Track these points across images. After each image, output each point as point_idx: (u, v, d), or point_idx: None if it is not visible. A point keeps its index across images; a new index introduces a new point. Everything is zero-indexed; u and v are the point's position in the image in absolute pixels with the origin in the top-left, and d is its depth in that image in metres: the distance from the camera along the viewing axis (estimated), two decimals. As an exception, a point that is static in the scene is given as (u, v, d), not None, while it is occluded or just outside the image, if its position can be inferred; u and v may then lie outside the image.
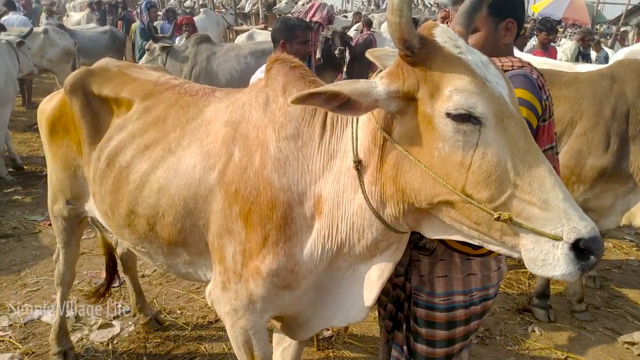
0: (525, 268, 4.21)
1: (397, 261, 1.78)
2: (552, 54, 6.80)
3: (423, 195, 1.42)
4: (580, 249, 1.24)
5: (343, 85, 1.41)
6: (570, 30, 12.63)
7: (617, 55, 6.86)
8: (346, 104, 1.42)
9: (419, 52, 1.38)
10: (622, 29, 13.83)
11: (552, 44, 7.31)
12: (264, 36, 9.60)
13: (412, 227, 1.61)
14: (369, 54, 1.82)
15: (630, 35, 14.21)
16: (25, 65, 6.85)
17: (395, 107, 1.44)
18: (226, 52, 7.33)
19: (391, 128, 1.48)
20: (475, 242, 1.47)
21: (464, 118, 1.31)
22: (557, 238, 1.25)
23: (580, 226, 1.24)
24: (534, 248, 1.28)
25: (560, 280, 1.29)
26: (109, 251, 3.25)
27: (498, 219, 1.30)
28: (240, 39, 10.48)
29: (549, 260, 1.26)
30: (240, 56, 7.22)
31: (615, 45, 11.48)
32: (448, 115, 1.33)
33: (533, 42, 8.59)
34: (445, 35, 1.42)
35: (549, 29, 6.67)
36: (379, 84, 1.43)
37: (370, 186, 1.56)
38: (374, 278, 1.74)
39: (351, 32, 11.27)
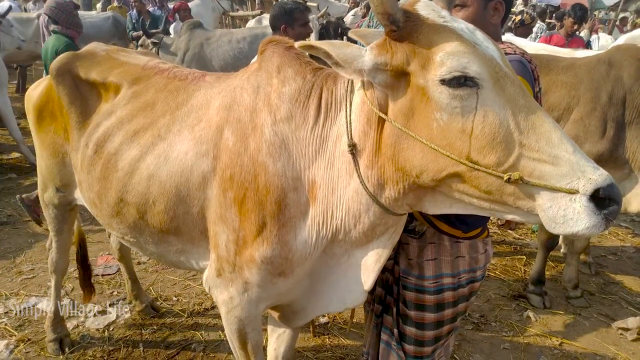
0: (521, 254, 4.20)
1: (395, 244, 1.76)
2: (575, 45, 6.15)
3: (427, 172, 1.39)
4: (599, 199, 1.19)
5: (334, 48, 1.42)
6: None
7: (617, 42, 6.81)
8: (338, 63, 1.43)
9: (405, 26, 1.37)
10: (621, 15, 13.74)
11: (577, 34, 6.58)
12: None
13: (412, 206, 1.58)
14: (352, 34, 1.80)
15: (629, 21, 14.12)
16: (8, 42, 6.67)
17: (381, 80, 1.42)
18: (219, 37, 7.33)
19: (386, 108, 1.47)
20: (485, 214, 1.44)
21: (459, 82, 1.29)
22: (573, 191, 1.20)
23: (595, 176, 1.20)
24: (552, 206, 1.23)
25: (586, 235, 1.22)
26: (80, 242, 3.22)
27: (509, 180, 1.26)
28: (250, 24, 10.43)
29: (570, 216, 1.21)
30: (233, 41, 7.23)
31: (614, 32, 11.42)
32: (442, 82, 1.31)
33: (539, 30, 8.44)
34: (428, 7, 1.41)
35: (578, 17, 5.97)
36: (366, 54, 1.42)
37: (367, 170, 1.54)
38: (370, 263, 1.73)
39: (348, 17, 11.18)
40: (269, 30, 7.50)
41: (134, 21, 8.79)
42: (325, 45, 1.43)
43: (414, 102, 1.39)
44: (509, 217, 1.40)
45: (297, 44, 1.50)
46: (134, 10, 9.04)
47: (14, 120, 6.18)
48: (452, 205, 1.49)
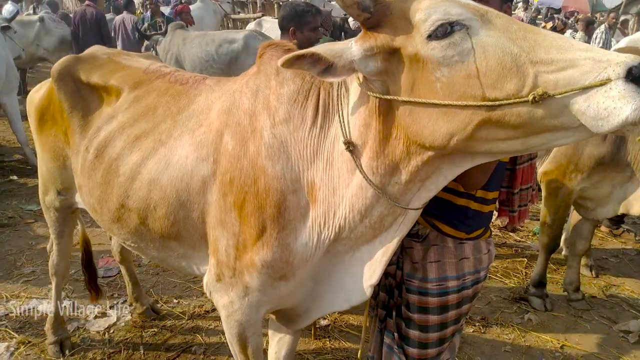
0: (522, 257, 4.19)
1: (404, 235, 1.70)
2: None
3: (453, 137, 1.33)
4: (636, 79, 1.10)
5: (320, 47, 1.41)
6: (571, 19, 12.54)
7: (618, 45, 6.79)
8: (329, 67, 1.41)
9: (376, 10, 1.37)
10: (622, 17, 13.72)
11: None
12: (271, 23, 9.64)
13: (426, 179, 1.53)
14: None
15: (631, 23, 14.10)
16: (11, 50, 6.76)
17: (373, 68, 1.41)
18: (193, 39, 7.58)
19: (389, 93, 1.44)
20: (522, 152, 1.43)
21: (446, 31, 1.27)
22: (605, 82, 1.12)
23: (622, 58, 1.13)
24: (590, 105, 1.14)
25: (636, 120, 1.09)
26: (86, 247, 3.22)
27: (534, 100, 1.20)
28: (250, 26, 10.48)
29: (612, 105, 1.11)
30: (202, 43, 7.50)
31: (616, 34, 11.41)
32: (430, 37, 1.29)
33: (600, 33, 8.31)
34: None
35: None
36: (353, 44, 1.41)
37: (371, 162, 1.52)
38: (377, 256, 1.69)
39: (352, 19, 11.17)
40: (240, 35, 7.76)
41: (145, 22, 8.82)
42: (312, 49, 1.41)
43: (410, 74, 1.36)
44: (556, 142, 1.32)
45: (279, 62, 1.40)
46: (148, 12, 9.06)
47: (20, 122, 6.26)
48: (475, 159, 1.46)
